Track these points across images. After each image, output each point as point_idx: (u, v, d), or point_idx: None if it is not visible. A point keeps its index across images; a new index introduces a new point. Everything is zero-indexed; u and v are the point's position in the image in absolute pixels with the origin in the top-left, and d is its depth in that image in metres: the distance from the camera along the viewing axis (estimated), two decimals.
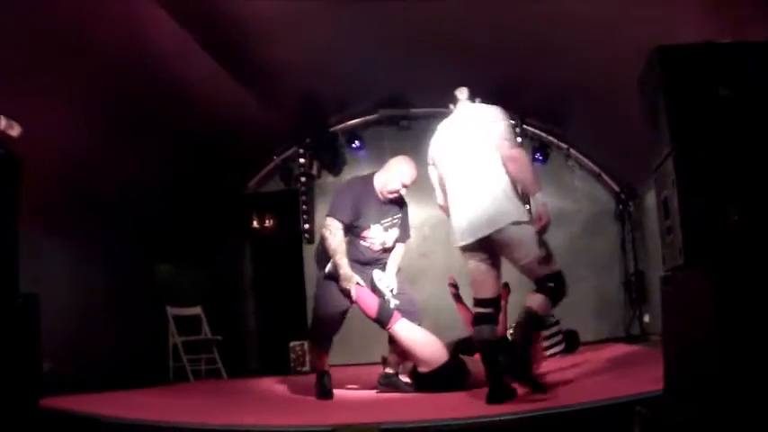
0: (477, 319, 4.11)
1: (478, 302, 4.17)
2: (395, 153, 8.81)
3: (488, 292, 4.13)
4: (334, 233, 4.81)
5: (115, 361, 6.98)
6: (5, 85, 5.07)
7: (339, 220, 4.83)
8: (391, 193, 4.98)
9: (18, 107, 5.10)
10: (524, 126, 8.70)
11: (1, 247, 3.71)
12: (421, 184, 8.66)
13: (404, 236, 5.17)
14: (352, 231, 4.94)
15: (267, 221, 10.20)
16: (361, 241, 4.98)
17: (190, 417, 4.18)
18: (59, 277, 6.43)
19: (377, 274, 4.83)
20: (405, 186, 5.00)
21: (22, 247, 3.89)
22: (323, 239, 4.93)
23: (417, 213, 8.43)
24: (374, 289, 4.77)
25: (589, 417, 3.26)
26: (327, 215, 4.94)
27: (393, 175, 5.00)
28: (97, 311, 7.09)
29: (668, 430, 2.71)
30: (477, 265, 4.11)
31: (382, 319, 4.70)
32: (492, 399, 3.86)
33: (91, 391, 5.28)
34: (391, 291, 4.81)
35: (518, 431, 3.30)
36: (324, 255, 4.94)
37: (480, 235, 3.98)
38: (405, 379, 5.09)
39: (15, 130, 5.15)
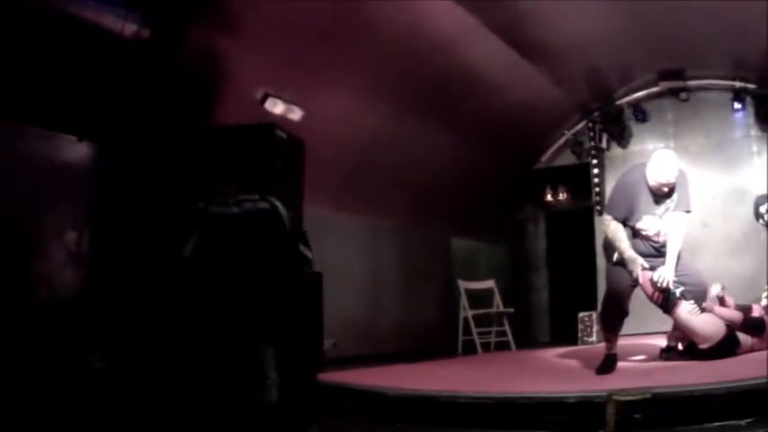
0: None
1: None
2: (677, 124, 8.96)
3: None
4: (610, 226, 4.90)
5: (403, 336, 7.42)
6: (287, 76, 5.48)
7: (614, 217, 4.90)
8: (655, 188, 4.81)
9: (303, 97, 5.57)
10: None
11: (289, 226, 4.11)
12: (704, 153, 8.59)
13: (681, 205, 4.87)
14: (627, 225, 4.93)
15: (560, 195, 10.29)
16: (638, 233, 4.94)
17: (465, 386, 4.41)
18: (347, 254, 6.88)
19: (656, 274, 4.71)
20: (660, 185, 4.76)
21: (309, 225, 4.11)
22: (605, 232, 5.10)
23: (698, 183, 8.15)
24: (657, 290, 4.74)
25: None
26: (604, 212, 5.10)
27: (651, 173, 4.79)
28: (386, 287, 7.54)
29: None
30: None
31: (665, 307, 4.82)
32: None
33: (377, 365, 5.69)
34: (671, 283, 4.71)
35: None
36: (610, 246, 5.05)
37: None
38: (680, 348, 5.23)
39: (296, 114, 5.49)
